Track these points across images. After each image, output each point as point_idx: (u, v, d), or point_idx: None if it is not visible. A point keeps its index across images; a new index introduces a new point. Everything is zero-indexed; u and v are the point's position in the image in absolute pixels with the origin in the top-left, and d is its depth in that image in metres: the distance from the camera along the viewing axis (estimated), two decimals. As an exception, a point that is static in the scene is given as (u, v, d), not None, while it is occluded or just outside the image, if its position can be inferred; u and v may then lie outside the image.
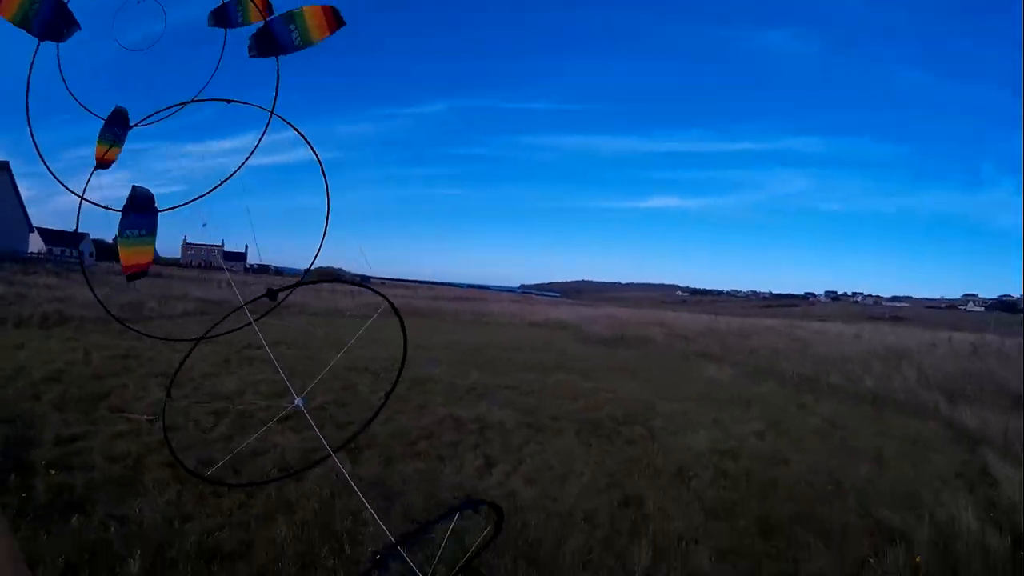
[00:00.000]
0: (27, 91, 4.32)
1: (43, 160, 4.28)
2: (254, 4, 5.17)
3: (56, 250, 60.98)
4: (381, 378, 11.45)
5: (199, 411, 8.19)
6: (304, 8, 4.74)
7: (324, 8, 4.77)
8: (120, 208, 4.40)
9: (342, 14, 4.84)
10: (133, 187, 4.81)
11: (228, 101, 5.06)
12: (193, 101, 4.25)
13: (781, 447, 8.97)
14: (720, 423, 10.21)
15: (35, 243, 57.72)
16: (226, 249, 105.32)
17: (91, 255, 70.50)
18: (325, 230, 4.16)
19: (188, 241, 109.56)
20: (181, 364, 3.90)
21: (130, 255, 4.64)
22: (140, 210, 4.76)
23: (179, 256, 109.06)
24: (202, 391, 9.53)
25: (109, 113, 5.55)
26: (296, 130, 4.26)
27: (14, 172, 51.33)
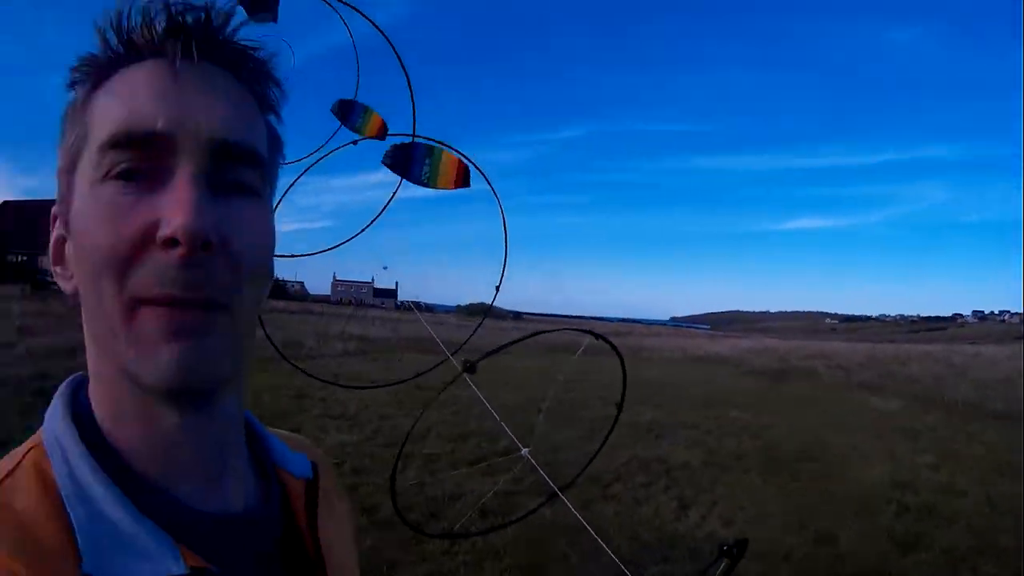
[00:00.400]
0: None
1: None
2: (374, 123, 5.25)
3: None
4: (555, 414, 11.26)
5: (387, 454, 8.31)
6: (444, 152, 4.07)
7: (460, 164, 4.12)
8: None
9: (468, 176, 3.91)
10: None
11: (382, 137, 5.20)
12: (350, 143, 4.12)
13: (956, 478, 8.82)
14: (893, 455, 10.06)
15: None
16: (376, 285, 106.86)
17: None
18: (504, 265, 3.70)
19: (338, 278, 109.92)
20: (415, 424, 3.83)
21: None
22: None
23: (329, 293, 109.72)
24: (383, 433, 9.65)
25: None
26: (463, 156, 3.83)
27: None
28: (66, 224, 0.58)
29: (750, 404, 14.98)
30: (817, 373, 22.12)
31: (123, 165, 0.53)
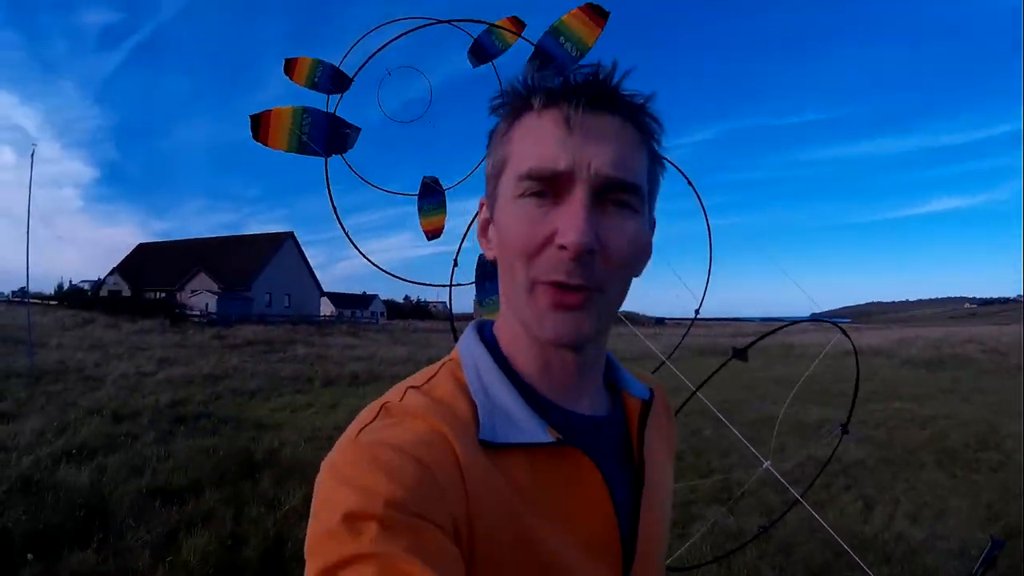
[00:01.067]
0: (327, 184, 4.00)
1: (343, 228, 4.03)
2: (505, 29, 5.14)
3: (347, 312, 65.04)
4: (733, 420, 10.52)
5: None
6: (565, 17, 4.25)
7: (583, 8, 4.26)
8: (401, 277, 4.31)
9: (602, 5, 4.39)
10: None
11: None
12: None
13: None
14: (1072, 439, 9.13)
15: (326, 307, 61.59)
16: None
17: (382, 314, 75.51)
18: (709, 271, 3.75)
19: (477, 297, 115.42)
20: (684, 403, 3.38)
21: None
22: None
23: (471, 311, 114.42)
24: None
25: (420, 187, 5.68)
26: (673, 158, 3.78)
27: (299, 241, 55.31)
28: (490, 215, 0.83)
29: (913, 395, 14.12)
30: (973, 359, 20.95)
31: (535, 188, 0.73)
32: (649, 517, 0.85)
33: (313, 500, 0.65)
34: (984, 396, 13.81)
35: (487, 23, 5.37)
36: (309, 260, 56.77)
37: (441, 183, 5.83)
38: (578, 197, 0.72)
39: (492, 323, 0.88)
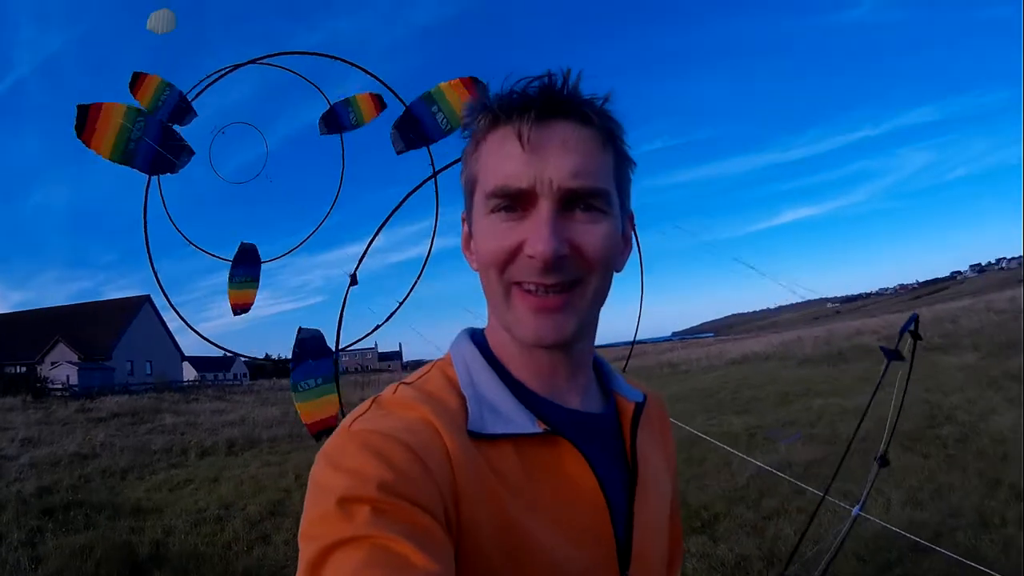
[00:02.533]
0: (145, 229, 4.19)
1: (168, 301, 4.32)
2: (369, 101, 5.04)
3: (209, 375, 62.56)
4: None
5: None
6: (443, 85, 4.36)
7: (466, 80, 4.41)
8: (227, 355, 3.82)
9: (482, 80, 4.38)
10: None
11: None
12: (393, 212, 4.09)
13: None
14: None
15: (188, 371, 59.25)
16: (380, 350, 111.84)
17: (245, 375, 72.58)
18: (641, 306, 3.94)
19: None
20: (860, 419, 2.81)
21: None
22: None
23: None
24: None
25: (236, 252, 5.11)
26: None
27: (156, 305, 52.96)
28: (470, 229, 0.87)
29: (832, 390, 14.14)
30: (874, 348, 21.14)
31: (502, 205, 0.77)
32: (645, 516, 0.85)
33: (308, 488, 0.67)
34: (916, 378, 13.64)
35: (347, 99, 4.93)
36: (167, 324, 54.35)
37: (259, 254, 5.12)
38: (542, 211, 0.75)
39: (483, 328, 0.92)
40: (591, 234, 0.77)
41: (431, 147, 4.36)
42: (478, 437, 0.74)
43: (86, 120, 3.54)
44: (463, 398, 0.79)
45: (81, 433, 16.73)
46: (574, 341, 0.81)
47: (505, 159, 0.77)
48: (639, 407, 0.90)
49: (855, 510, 3.25)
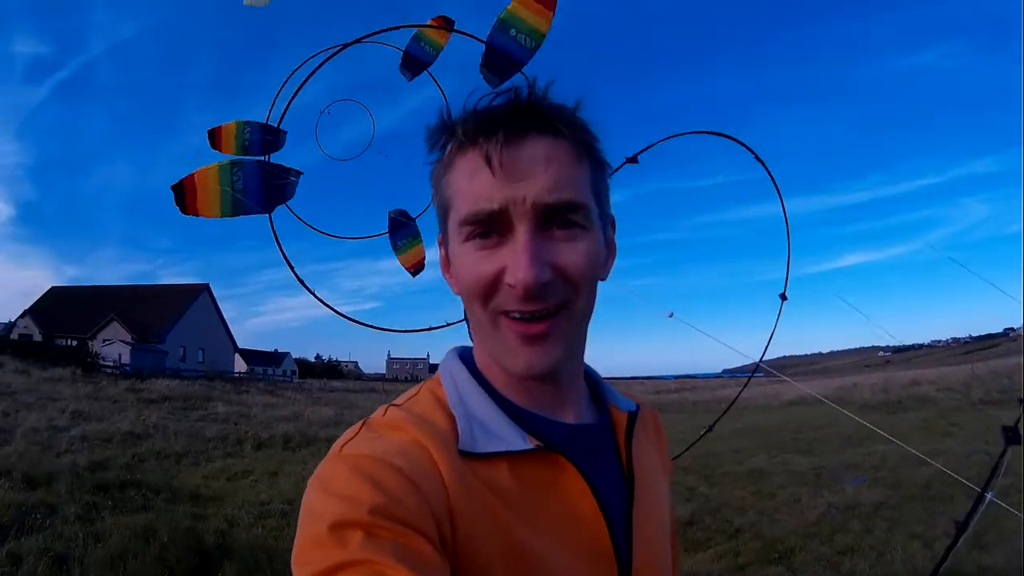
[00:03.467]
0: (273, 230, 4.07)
1: (293, 270, 4.11)
2: (433, 27, 4.98)
3: (258, 369, 63.14)
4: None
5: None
6: (510, 6, 4.29)
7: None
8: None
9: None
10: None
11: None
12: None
13: None
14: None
15: (238, 364, 59.95)
16: (431, 361, 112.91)
17: (294, 373, 73.35)
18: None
19: (392, 356, 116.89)
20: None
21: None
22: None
23: (384, 371, 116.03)
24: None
25: (388, 224, 5.25)
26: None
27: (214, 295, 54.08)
28: (446, 254, 0.85)
29: (895, 435, 13.43)
30: (931, 398, 21.06)
31: (477, 231, 0.75)
32: (644, 526, 0.84)
33: (300, 513, 0.66)
34: (963, 430, 13.71)
35: (413, 25, 4.86)
36: (223, 314, 55.40)
37: (408, 214, 5.30)
38: (519, 235, 0.73)
39: (471, 347, 0.90)
40: (573, 252, 0.75)
41: (524, 69, 4.23)
42: (470, 456, 0.73)
43: (184, 194, 3.59)
44: (453, 417, 0.77)
45: (133, 412, 16.93)
46: (563, 366, 0.80)
47: (476, 183, 0.75)
48: (632, 416, 0.90)
49: (989, 495, 3.17)
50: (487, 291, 0.75)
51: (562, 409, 0.85)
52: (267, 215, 3.85)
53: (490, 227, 0.74)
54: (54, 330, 44.93)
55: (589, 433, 0.86)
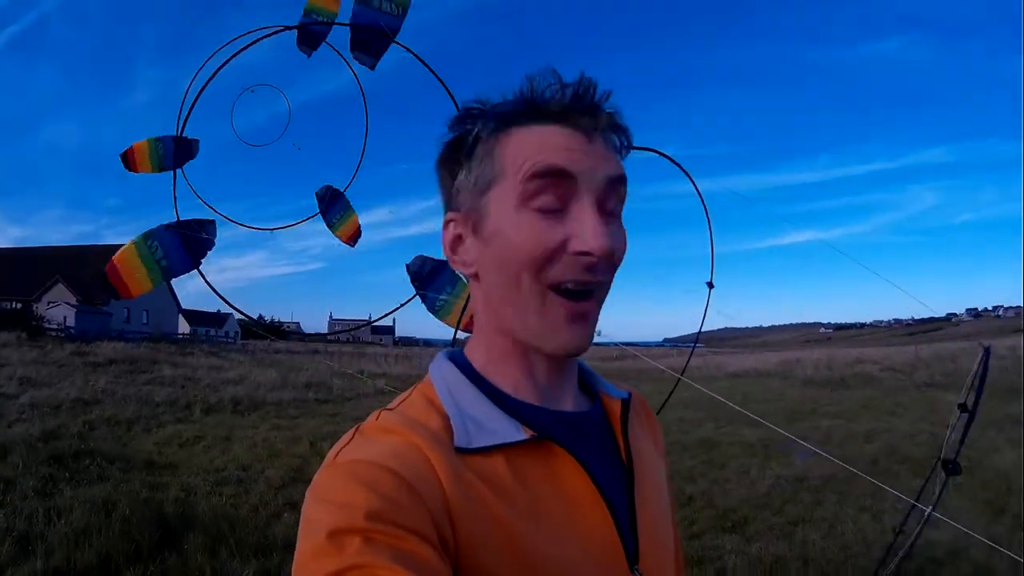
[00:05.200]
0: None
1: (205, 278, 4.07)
2: (350, 225, 5.28)
3: (202, 331, 62.58)
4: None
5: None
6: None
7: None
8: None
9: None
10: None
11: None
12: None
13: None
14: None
15: (182, 325, 59.27)
16: (374, 323, 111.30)
17: (237, 334, 72.49)
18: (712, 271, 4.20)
19: (334, 317, 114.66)
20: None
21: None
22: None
23: (325, 331, 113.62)
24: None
25: (318, 200, 5.43)
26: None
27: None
28: (474, 230, 0.82)
29: (837, 412, 14.33)
30: (875, 377, 21.52)
31: (541, 199, 0.75)
32: (646, 512, 0.85)
33: (300, 525, 0.67)
34: (907, 410, 14.15)
35: (316, 24, 4.75)
36: None
37: (336, 188, 5.33)
38: (588, 205, 0.75)
39: (461, 349, 0.91)
40: (620, 238, 0.78)
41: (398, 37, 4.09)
42: (466, 452, 0.73)
43: (111, 282, 3.66)
44: (446, 416, 0.77)
45: (80, 378, 16.58)
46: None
47: (550, 146, 0.76)
48: (626, 403, 0.90)
49: (928, 509, 3.37)
50: (546, 260, 0.74)
51: (561, 398, 0.85)
52: (196, 270, 3.91)
53: (556, 192, 0.75)
54: (-1, 293, 43.58)
55: (585, 422, 0.86)
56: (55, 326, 34.23)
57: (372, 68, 4.37)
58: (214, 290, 4.02)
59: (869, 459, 9.04)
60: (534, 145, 0.76)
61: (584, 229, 0.73)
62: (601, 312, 0.81)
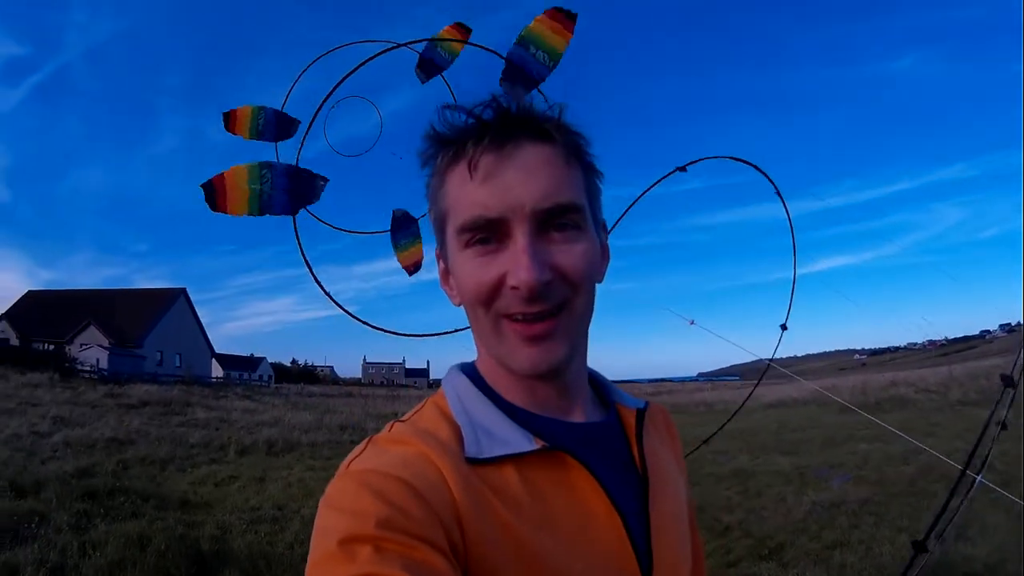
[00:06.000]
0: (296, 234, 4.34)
1: (312, 272, 4.31)
2: (452, 32, 5.15)
3: (235, 374, 62.80)
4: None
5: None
6: (532, 24, 4.49)
7: (551, 12, 4.53)
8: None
9: (569, 7, 4.53)
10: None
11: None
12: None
13: None
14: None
15: (215, 368, 59.62)
16: (407, 366, 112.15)
17: (270, 378, 72.94)
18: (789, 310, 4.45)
19: (368, 360, 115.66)
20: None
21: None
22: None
23: (360, 375, 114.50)
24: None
25: (392, 221, 5.48)
26: None
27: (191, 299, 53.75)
28: (446, 265, 0.88)
29: (874, 436, 13.58)
30: (910, 399, 21.19)
31: (477, 238, 0.77)
32: (662, 523, 0.84)
33: (312, 533, 0.67)
34: (944, 430, 13.83)
35: (430, 39, 5.08)
36: (200, 319, 55.13)
37: (411, 213, 5.42)
38: (519, 238, 0.75)
39: (472, 362, 0.92)
40: (572, 254, 0.77)
41: (540, 87, 4.41)
42: (477, 462, 0.74)
43: (214, 193, 3.70)
44: (457, 427, 0.79)
45: (114, 418, 16.82)
46: (567, 365, 0.81)
47: (472, 191, 0.77)
48: (641, 412, 0.91)
49: (978, 477, 3.35)
50: (489, 296, 0.77)
51: (569, 410, 0.86)
52: (291, 216, 3.93)
53: (489, 233, 0.76)
54: (31, 335, 44.43)
55: (596, 431, 0.87)
56: (88, 368, 34.66)
57: (513, 105, 4.55)
58: (311, 271, 4.08)
59: (907, 480, 8.87)
60: (459, 190, 0.78)
61: (515, 264, 0.74)
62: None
